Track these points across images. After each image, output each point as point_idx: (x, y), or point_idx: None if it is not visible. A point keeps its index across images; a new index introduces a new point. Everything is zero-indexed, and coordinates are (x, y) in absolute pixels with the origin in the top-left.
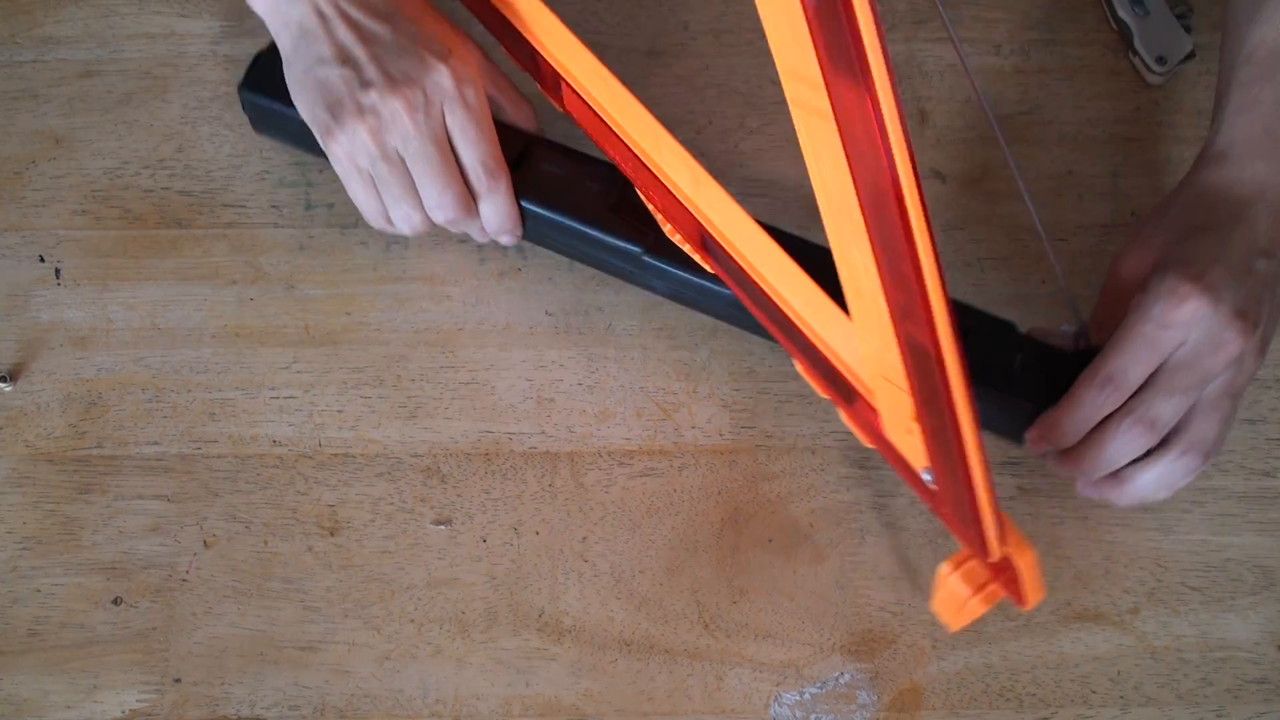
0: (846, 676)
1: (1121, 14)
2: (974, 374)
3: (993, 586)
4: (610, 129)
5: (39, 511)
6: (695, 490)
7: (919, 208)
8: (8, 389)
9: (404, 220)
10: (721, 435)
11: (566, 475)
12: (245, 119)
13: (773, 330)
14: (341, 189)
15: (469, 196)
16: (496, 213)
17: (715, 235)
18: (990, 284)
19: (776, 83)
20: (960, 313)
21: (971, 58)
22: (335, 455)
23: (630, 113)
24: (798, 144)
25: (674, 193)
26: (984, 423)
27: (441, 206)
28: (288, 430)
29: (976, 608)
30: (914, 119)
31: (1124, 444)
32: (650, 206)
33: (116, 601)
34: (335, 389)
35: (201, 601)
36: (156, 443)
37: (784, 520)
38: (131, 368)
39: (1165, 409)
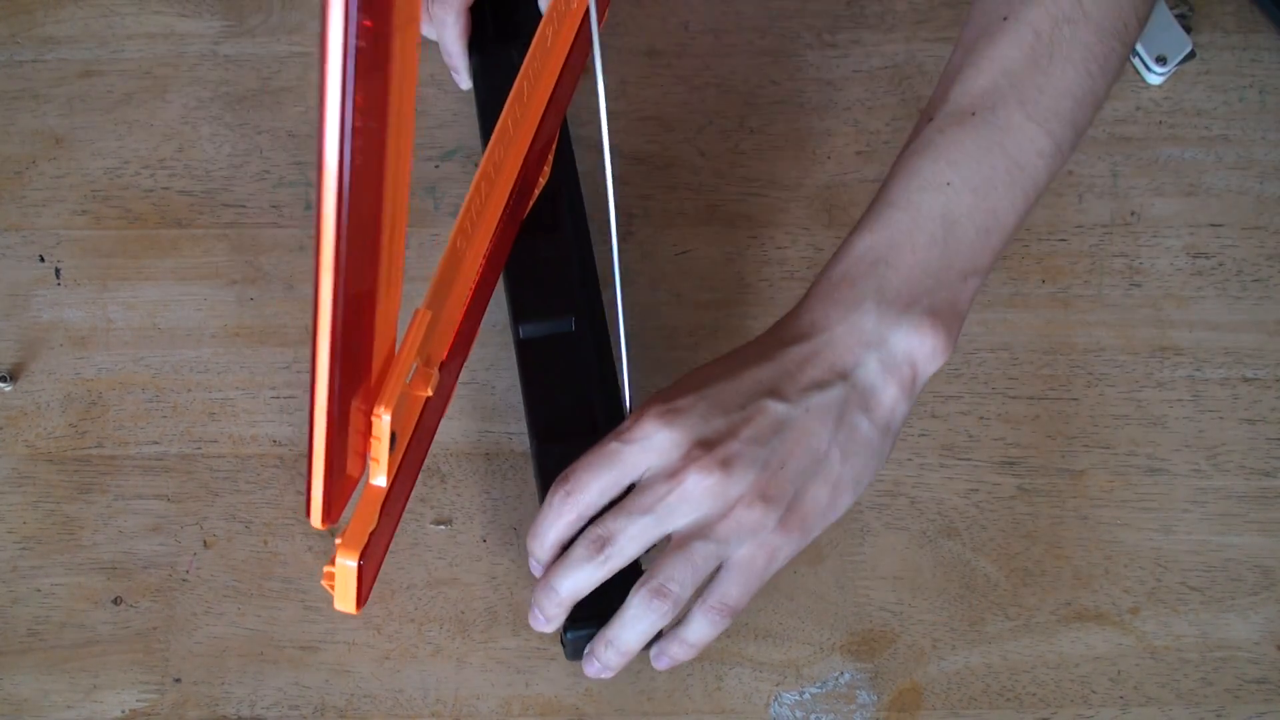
0: (846, 676)
1: None
2: None
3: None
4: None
5: (39, 511)
6: None
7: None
8: (8, 389)
9: None
10: None
11: None
12: (245, 119)
13: None
14: None
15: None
16: (441, 42)
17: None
18: (990, 284)
19: (777, 82)
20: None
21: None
22: None
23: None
24: (798, 144)
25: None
26: None
27: None
28: (288, 430)
29: (327, 580)
30: (914, 119)
31: (576, 559)
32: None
33: (116, 601)
34: None
35: (201, 601)
36: (156, 442)
37: None
38: (131, 368)
39: (615, 527)
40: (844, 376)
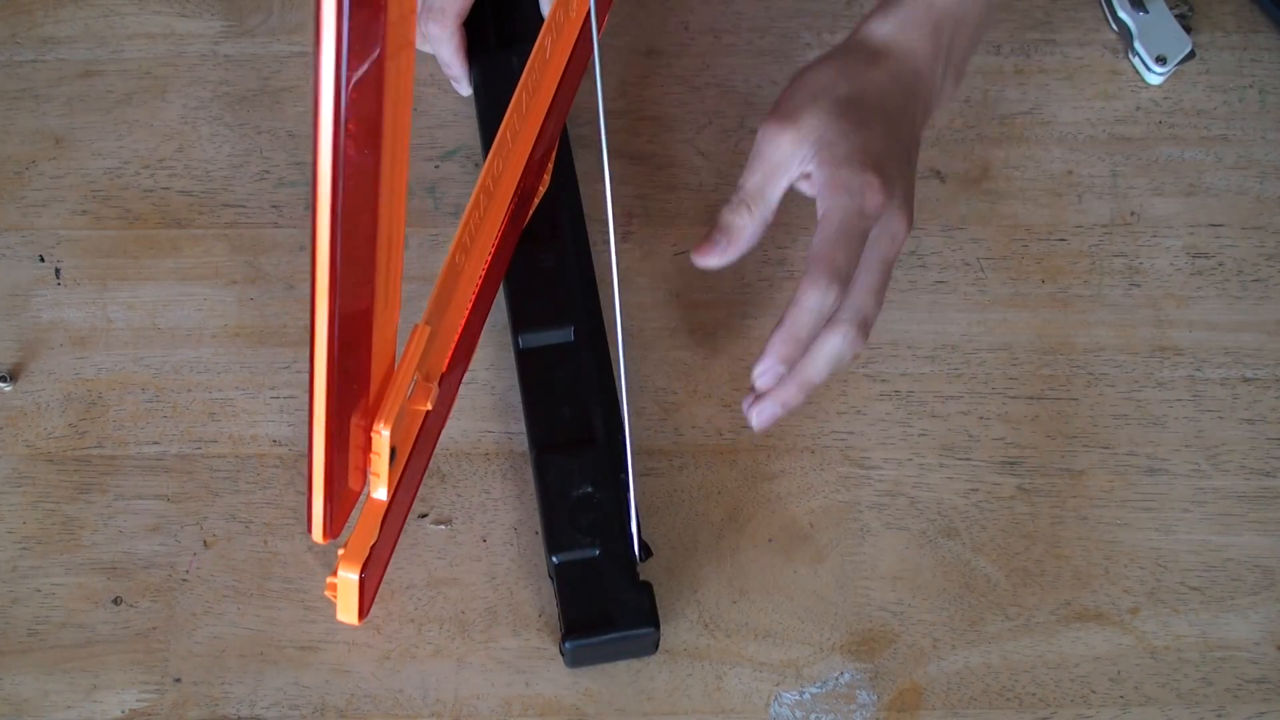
0: (846, 676)
1: (1121, 14)
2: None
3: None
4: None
5: (39, 511)
6: (695, 490)
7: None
8: (8, 389)
9: None
10: (721, 435)
11: None
12: (245, 119)
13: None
14: None
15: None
16: (438, 57)
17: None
18: (990, 284)
19: (777, 82)
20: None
21: (972, 57)
22: None
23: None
24: None
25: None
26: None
27: None
28: (288, 430)
29: (330, 591)
30: None
31: (842, 348)
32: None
33: (116, 601)
34: None
35: (201, 601)
36: (156, 442)
37: (784, 520)
38: (131, 368)
39: (872, 303)
40: (925, 108)
